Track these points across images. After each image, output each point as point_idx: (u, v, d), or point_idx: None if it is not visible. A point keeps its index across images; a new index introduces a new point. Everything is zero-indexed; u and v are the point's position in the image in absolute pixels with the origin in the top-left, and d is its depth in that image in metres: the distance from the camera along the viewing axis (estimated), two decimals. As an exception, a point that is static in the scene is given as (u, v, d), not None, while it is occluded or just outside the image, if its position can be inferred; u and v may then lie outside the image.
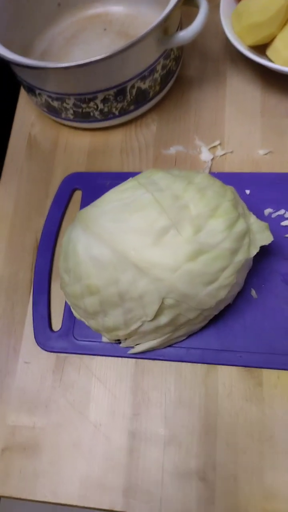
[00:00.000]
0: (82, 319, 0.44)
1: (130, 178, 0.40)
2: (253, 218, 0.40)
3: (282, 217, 0.48)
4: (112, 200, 0.39)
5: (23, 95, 0.63)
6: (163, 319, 0.38)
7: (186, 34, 0.46)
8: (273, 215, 0.48)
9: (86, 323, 0.43)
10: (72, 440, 0.44)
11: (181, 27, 0.53)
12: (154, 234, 0.36)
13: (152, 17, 0.61)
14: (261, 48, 0.53)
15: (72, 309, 0.45)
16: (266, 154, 0.52)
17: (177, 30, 0.51)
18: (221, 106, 0.56)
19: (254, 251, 0.38)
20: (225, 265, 0.37)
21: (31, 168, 0.58)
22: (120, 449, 0.43)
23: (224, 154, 0.53)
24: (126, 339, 0.43)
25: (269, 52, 0.51)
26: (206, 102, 0.56)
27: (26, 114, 0.61)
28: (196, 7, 0.47)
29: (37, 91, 0.52)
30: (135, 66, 0.48)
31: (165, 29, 0.47)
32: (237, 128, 0.54)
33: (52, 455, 0.44)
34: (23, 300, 0.50)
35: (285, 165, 0.51)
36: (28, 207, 0.55)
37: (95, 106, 0.52)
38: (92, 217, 0.38)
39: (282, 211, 0.48)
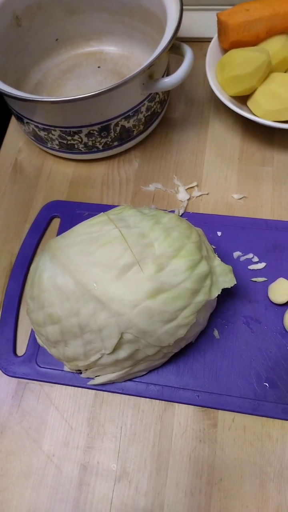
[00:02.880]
0: (45, 346, 0.44)
1: (102, 213, 0.42)
2: (217, 261, 0.41)
3: (250, 261, 0.49)
4: (81, 233, 0.40)
5: (13, 121, 0.65)
6: (122, 353, 0.39)
7: (170, 80, 0.48)
8: (242, 258, 0.49)
9: (48, 350, 0.44)
10: (23, 469, 0.43)
11: (168, 73, 0.56)
12: (118, 269, 0.37)
13: (144, 60, 0.65)
14: (242, 98, 0.55)
15: (36, 336, 0.45)
16: (240, 198, 0.54)
17: (163, 76, 0.53)
18: (201, 149, 0.58)
19: (216, 293, 0.39)
20: (184, 305, 0.37)
21: (13, 192, 0.59)
22: (71, 482, 0.42)
23: (200, 195, 0.55)
24: (86, 370, 0.43)
25: (249, 103, 0.54)
26: (187, 144, 0.59)
27: (15, 140, 0.63)
28: (182, 56, 0.50)
29: (25, 120, 0.54)
30: (119, 106, 0.50)
31: (150, 74, 0.49)
32: (215, 171, 0.56)
33: (1, 483, 0.43)
34: (-10, 322, 0.50)
35: (258, 211, 0.53)
36: (6, 230, 0.56)
37: (80, 140, 0.53)
38: (60, 247, 0.39)
39: (250, 255, 0.49)
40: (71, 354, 0.40)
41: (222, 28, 0.54)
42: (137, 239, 0.38)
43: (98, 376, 0.44)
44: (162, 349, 0.40)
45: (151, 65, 0.46)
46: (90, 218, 0.41)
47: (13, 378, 0.47)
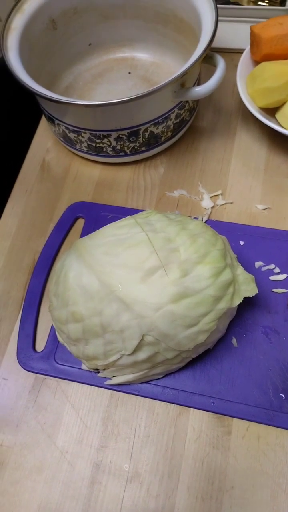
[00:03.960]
0: (65, 344, 0.45)
1: (129, 216, 0.42)
2: (240, 270, 0.41)
3: (271, 272, 0.49)
4: (109, 234, 0.40)
5: (43, 122, 0.66)
6: (141, 355, 0.40)
7: (201, 90, 0.49)
8: (263, 269, 0.50)
9: (68, 348, 0.44)
10: (37, 464, 0.44)
11: (198, 82, 0.56)
12: (143, 272, 0.37)
13: (175, 68, 0.66)
14: (271, 110, 0.56)
15: (56, 333, 0.46)
16: (264, 209, 0.54)
17: (194, 85, 0.54)
18: (227, 158, 0.59)
19: (237, 301, 0.40)
20: (206, 311, 0.38)
21: (40, 191, 0.60)
22: (83, 479, 0.43)
23: (224, 203, 0.55)
24: (104, 369, 0.44)
25: (278, 115, 0.54)
26: (214, 153, 0.59)
27: (44, 140, 0.64)
28: (214, 66, 0.51)
29: (56, 122, 0.55)
30: (150, 113, 0.51)
31: (182, 82, 0.50)
32: (240, 181, 0.57)
33: (14, 476, 0.44)
34: (12, 317, 0.51)
35: (281, 223, 0.53)
36: (31, 227, 0.57)
37: (108, 143, 0.54)
38: (87, 248, 0.40)
39: (272, 266, 0.50)
40: (91, 353, 0.41)
41: (255, 40, 0.55)
42: (163, 243, 0.39)
43: (116, 376, 0.44)
44: (181, 353, 0.40)
45: (184, 74, 0.47)
46: (118, 221, 0.42)
47: (31, 373, 0.48)
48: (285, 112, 0.53)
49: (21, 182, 0.61)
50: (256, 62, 0.57)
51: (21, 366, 0.48)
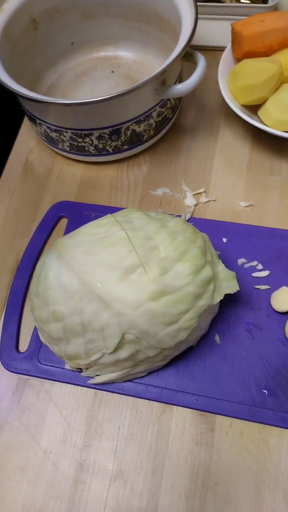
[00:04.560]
0: (47, 344, 0.45)
1: (109, 214, 0.42)
2: (221, 267, 0.42)
3: (254, 268, 0.50)
4: (88, 233, 0.40)
5: (26, 122, 0.66)
6: (123, 354, 0.39)
7: (182, 87, 0.49)
8: (246, 265, 0.50)
9: (50, 348, 0.44)
10: (20, 464, 0.44)
11: (180, 80, 0.56)
12: (122, 270, 0.37)
13: (158, 66, 0.65)
14: (253, 108, 0.56)
15: (38, 333, 0.46)
16: (247, 206, 0.54)
17: (175, 82, 0.54)
18: (210, 156, 0.59)
19: (218, 298, 0.40)
20: (187, 308, 0.38)
21: (23, 191, 0.60)
22: (67, 479, 0.43)
23: (207, 201, 0.55)
24: (87, 368, 0.44)
25: (260, 113, 0.55)
26: (197, 151, 0.59)
27: (26, 140, 0.64)
28: (195, 63, 0.51)
29: (38, 121, 0.55)
30: (131, 111, 0.51)
31: (163, 80, 0.50)
32: (223, 178, 0.57)
33: (-2, 477, 0.44)
34: (-5, 317, 0.51)
35: (264, 219, 0.53)
36: (14, 227, 0.57)
37: (90, 142, 0.54)
38: (67, 247, 0.40)
39: (254, 263, 0.50)
40: (73, 352, 0.41)
41: (236, 38, 0.55)
42: (142, 241, 0.39)
43: (98, 375, 0.44)
44: (162, 351, 0.40)
45: (164, 72, 0.47)
46: (98, 219, 0.42)
47: (15, 374, 0.48)
48: (267, 109, 0.53)
49: (4, 182, 0.61)
50: (238, 60, 0.57)
51: (4, 367, 0.48)
